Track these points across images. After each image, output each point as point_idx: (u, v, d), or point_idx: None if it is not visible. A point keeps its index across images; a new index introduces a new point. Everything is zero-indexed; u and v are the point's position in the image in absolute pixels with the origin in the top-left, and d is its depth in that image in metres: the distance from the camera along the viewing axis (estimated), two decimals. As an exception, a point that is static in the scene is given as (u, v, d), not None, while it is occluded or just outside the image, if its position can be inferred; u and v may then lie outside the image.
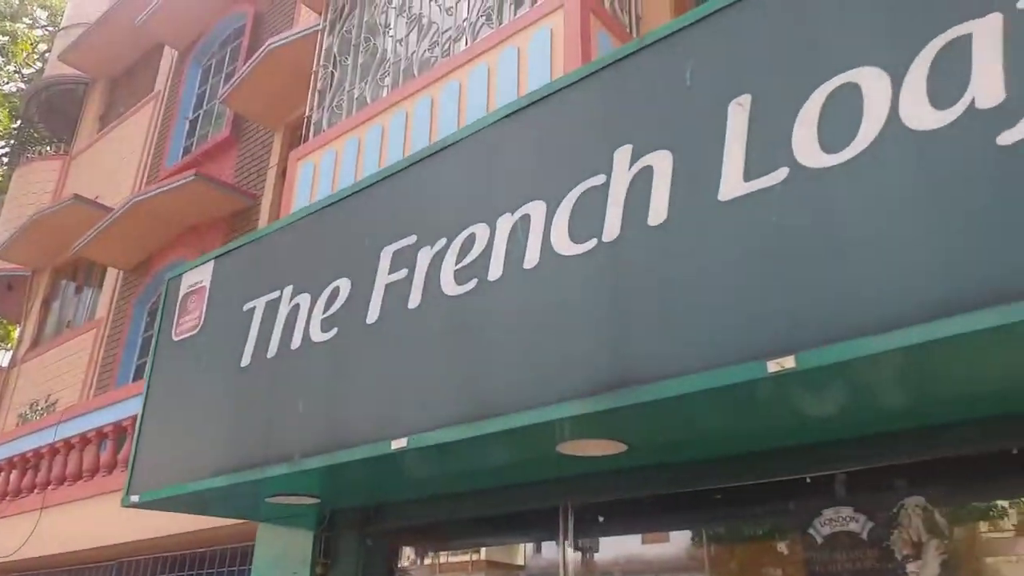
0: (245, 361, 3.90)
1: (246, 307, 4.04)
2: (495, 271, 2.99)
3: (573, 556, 3.80)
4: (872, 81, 2.33)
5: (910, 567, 3.14)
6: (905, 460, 3.04)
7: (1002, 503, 3.36)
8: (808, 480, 3.33)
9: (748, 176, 2.48)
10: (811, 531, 3.40)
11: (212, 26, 12.15)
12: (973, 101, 2.12)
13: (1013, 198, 1.99)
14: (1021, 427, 2.69)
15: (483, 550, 4.37)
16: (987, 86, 2.11)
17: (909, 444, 2.92)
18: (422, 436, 2.93)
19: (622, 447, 3.05)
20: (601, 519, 3.94)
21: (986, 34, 2.16)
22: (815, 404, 2.57)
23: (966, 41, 2.19)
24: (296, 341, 3.63)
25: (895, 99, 2.26)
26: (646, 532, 4.40)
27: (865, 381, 2.38)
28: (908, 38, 2.29)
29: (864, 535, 3.29)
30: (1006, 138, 2.04)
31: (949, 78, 2.18)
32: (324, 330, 3.52)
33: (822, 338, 2.16)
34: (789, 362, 2.19)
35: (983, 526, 3.37)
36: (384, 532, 4.47)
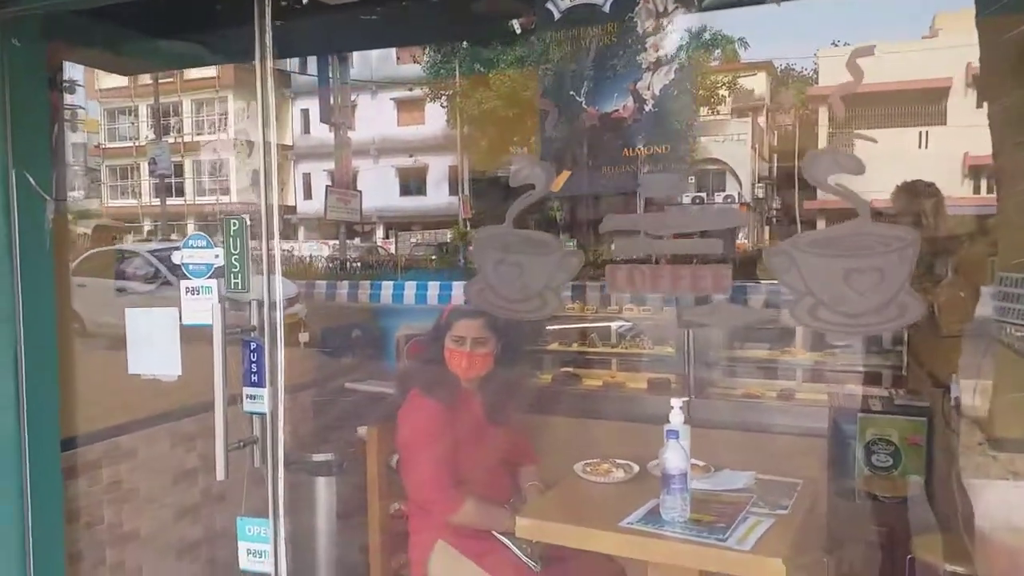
0: None
1: None
2: None
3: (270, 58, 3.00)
4: None
5: (650, 40, 2.75)
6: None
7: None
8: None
9: None
10: (549, 5, 2.86)
11: None
12: None
13: None
14: None
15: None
16: None
17: None
18: None
19: None
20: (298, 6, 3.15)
21: None
22: None
23: None
24: None
25: None
26: (346, 36, 3.67)
27: None
28: None
29: (607, 8, 2.80)
30: None
31: None
32: None
33: None
34: None
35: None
36: (33, 31, 3.44)
